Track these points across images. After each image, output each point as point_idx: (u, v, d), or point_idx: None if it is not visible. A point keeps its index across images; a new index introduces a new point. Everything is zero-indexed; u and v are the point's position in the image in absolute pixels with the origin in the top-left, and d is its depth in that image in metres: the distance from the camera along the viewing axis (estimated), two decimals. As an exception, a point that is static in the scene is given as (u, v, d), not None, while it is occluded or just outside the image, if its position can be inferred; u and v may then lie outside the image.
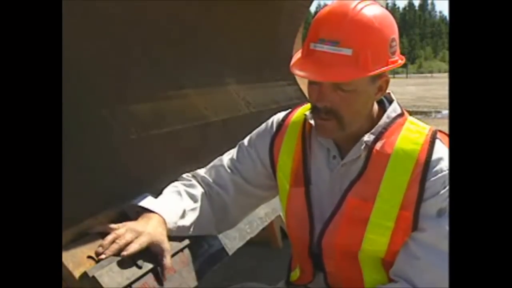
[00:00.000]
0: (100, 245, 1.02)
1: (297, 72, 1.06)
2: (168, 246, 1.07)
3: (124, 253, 1.00)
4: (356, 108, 1.07)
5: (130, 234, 1.04)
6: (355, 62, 0.99)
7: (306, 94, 1.15)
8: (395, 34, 1.06)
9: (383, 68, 1.03)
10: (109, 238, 1.03)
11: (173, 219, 1.13)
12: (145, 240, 1.04)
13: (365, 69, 1.00)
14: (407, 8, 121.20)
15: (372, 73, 1.02)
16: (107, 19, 1.47)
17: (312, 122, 1.15)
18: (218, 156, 1.32)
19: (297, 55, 1.10)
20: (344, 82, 1.02)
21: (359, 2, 1.02)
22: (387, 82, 1.09)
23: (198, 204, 1.20)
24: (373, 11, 1.02)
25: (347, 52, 0.99)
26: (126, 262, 1.01)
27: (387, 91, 1.12)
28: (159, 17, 1.73)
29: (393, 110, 1.13)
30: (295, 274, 1.27)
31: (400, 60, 1.08)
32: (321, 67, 1.01)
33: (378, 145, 1.09)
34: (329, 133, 1.10)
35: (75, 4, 1.23)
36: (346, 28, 1.00)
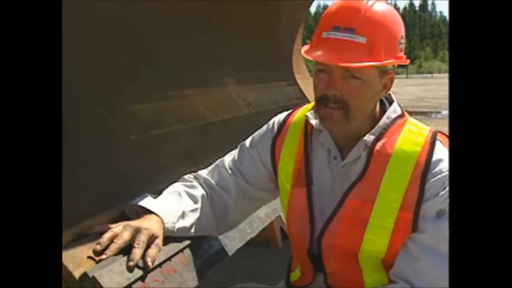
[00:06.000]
0: (98, 243, 1.02)
1: (312, 54, 1.06)
2: (161, 242, 1.07)
3: (131, 263, 1.00)
4: (364, 101, 1.07)
5: (128, 232, 1.04)
6: (368, 50, 1.02)
7: (306, 95, 1.15)
8: (403, 33, 1.09)
9: (393, 60, 1.06)
10: (107, 236, 1.03)
11: (172, 220, 1.12)
12: (143, 240, 1.03)
13: (378, 57, 1.03)
14: (407, 9, 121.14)
15: (384, 62, 1.04)
16: (107, 19, 1.47)
17: (313, 122, 1.15)
18: (218, 156, 1.32)
19: (304, 48, 1.10)
20: (356, 70, 1.03)
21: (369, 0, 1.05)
22: (391, 80, 1.11)
23: (198, 205, 1.20)
24: (384, 7, 1.06)
25: (362, 40, 1.02)
26: (126, 262, 1.01)
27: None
28: (159, 17, 1.73)
29: (393, 111, 1.13)
30: (295, 274, 1.27)
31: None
32: (335, 52, 1.03)
33: (378, 146, 1.09)
34: (334, 123, 1.08)
35: (75, 4, 1.23)
36: (361, 18, 1.03)
